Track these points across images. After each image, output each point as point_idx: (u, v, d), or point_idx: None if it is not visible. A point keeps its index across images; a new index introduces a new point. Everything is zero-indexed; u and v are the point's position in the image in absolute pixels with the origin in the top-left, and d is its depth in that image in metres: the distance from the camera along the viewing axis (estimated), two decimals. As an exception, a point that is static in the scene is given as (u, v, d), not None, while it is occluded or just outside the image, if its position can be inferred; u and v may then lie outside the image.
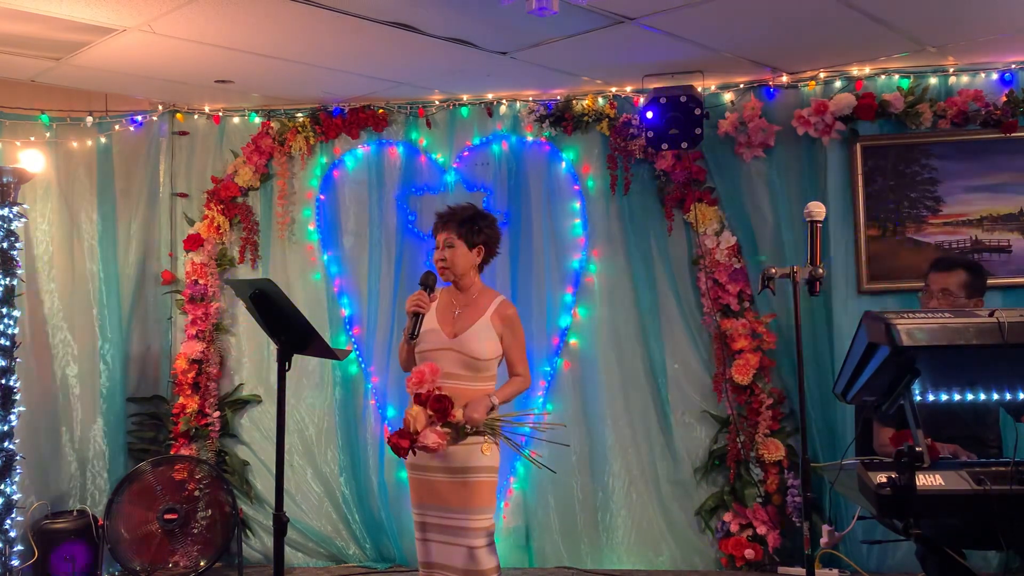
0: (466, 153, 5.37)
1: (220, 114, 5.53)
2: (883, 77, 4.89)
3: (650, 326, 5.18)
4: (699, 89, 4.80)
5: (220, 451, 5.35)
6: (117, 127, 5.43)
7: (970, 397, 2.60)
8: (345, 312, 5.44)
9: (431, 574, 3.38)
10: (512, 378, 3.42)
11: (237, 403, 5.45)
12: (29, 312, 5.07)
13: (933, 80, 4.85)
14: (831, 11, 3.93)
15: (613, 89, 5.19)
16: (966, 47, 4.54)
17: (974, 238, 4.82)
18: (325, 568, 5.28)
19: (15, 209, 4.41)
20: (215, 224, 5.41)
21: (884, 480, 2.34)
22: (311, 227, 5.50)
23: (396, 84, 5.05)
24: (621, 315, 5.22)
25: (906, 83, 4.85)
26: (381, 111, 5.39)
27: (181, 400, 5.27)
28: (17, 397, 4.38)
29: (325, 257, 5.47)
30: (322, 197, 5.49)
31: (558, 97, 5.24)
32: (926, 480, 2.32)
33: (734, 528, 4.94)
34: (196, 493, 5.00)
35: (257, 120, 5.51)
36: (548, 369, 5.23)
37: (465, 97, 5.33)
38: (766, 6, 3.89)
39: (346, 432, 5.35)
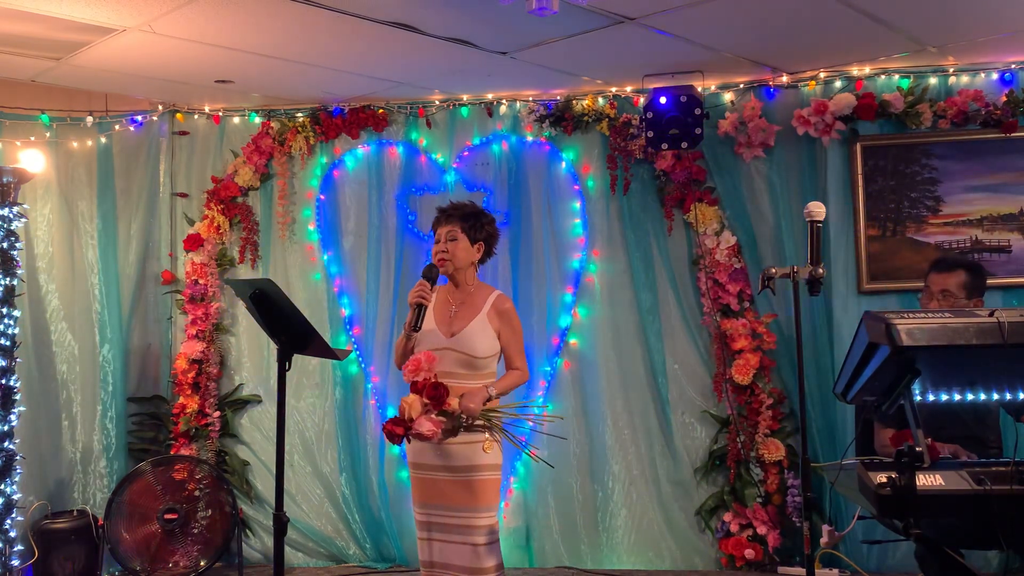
0: (466, 153, 5.37)
1: (220, 114, 5.53)
2: (883, 77, 4.89)
3: (650, 326, 5.18)
4: (699, 89, 4.80)
5: (220, 451, 5.35)
6: (117, 127, 5.43)
7: (970, 397, 2.61)
8: (345, 312, 5.44)
9: (433, 573, 3.38)
10: (510, 371, 3.43)
11: (237, 403, 5.45)
12: (29, 312, 5.07)
13: (933, 80, 4.85)
14: (831, 11, 3.93)
15: (613, 89, 5.19)
16: (966, 47, 4.54)
17: (974, 238, 4.82)
18: (325, 568, 5.28)
19: (15, 209, 4.41)
20: (215, 224, 5.41)
21: (884, 480, 2.34)
22: (311, 227, 5.50)
23: (396, 84, 5.05)
24: (621, 315, 5.22)
25: (906, 83, 4.85)
26: (381, 111, 5.39)
27: (181, 400, 5.27)
28: (17, 397, 4.38)
29: (325, 257, 5.47)
30: (322, 197, 5.50)
31: (558, 97, 5.24)
32: (926, 480, 2.32)
33: (734, 528, 4.94)
34: (196, 493, 5.00)
35: (257, 120, 5.51)
36: (548, 369, 5.23)
37: (465, 97, 5.34)
38: (766, 6, 3.89)
39: (346, 432, 5.35)
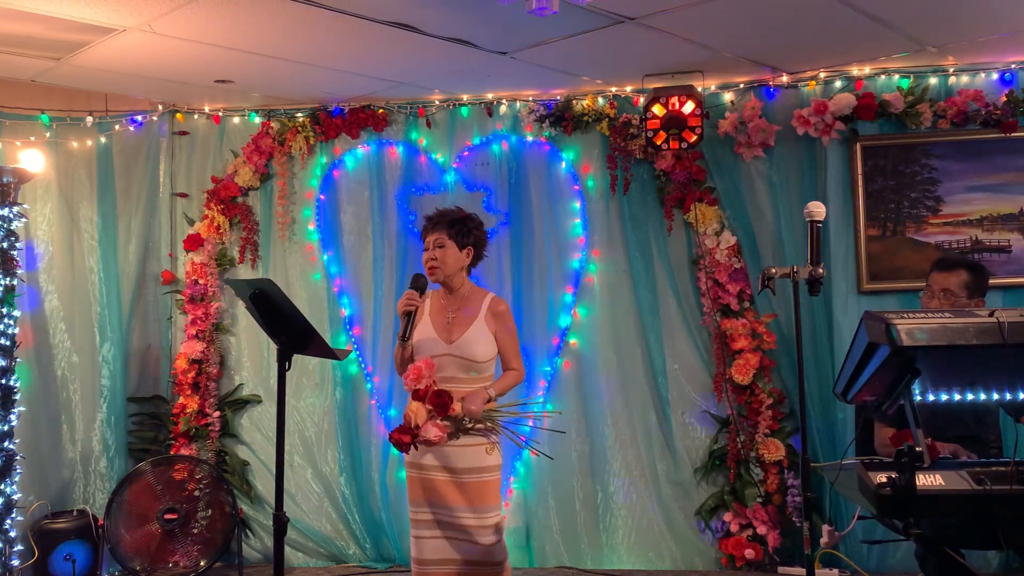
0: (466, 153, 5.37)
1: (220, 114, 5.53)
2: (883, 77, 4.89)
3: (650, 326, 5.18)
4: (699, 89, 4.80)
5: (220, 451, 5.35)
6: (117, 127, 5.43)
7: (970, 397, 2.60)
8: (345, 312, 5.44)
9: (425, 571, 3.39)
10: (506, 372, 3.50)
11: (237, 403, 5.45)
12: (29, 312, 5.07)
13: (933, 80, 4.85)
14: (831, 11, 3.93)
15: (613, 89, 5.19)
16: (966, 47, 4.54)
17: (974, 238, 4.82)
18: (325, 568, 5.28)
19: (15, 209, 4.42)
20: (215, 224, 5.41)
21: (884, 480, 2.34)
22: (311, 227, 5.50)
23: (396, 84, 5.05)
24: (621, 315, 5.22)
25: (906, 83, 4.85)
26: (381, 111, 5.39)
27: (181, 400, 5.27)
28: (17, 397, 4.38)
29: (325, 257, 5.47)
30: (322, 197, 5.49)
31: (558, 97, 5.24)
32: (926, 480, 2.32)
33: (734, 528, 4.94)
34: (196, 493, 5.00)
35: (257, 120, 5.51)
36: (548, 369, 5.23)
37: (465, 97, 5.34)
38: (766, 6, 3.89)
39: (346, 432, 5.35)
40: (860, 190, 4.89)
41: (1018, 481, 2.32)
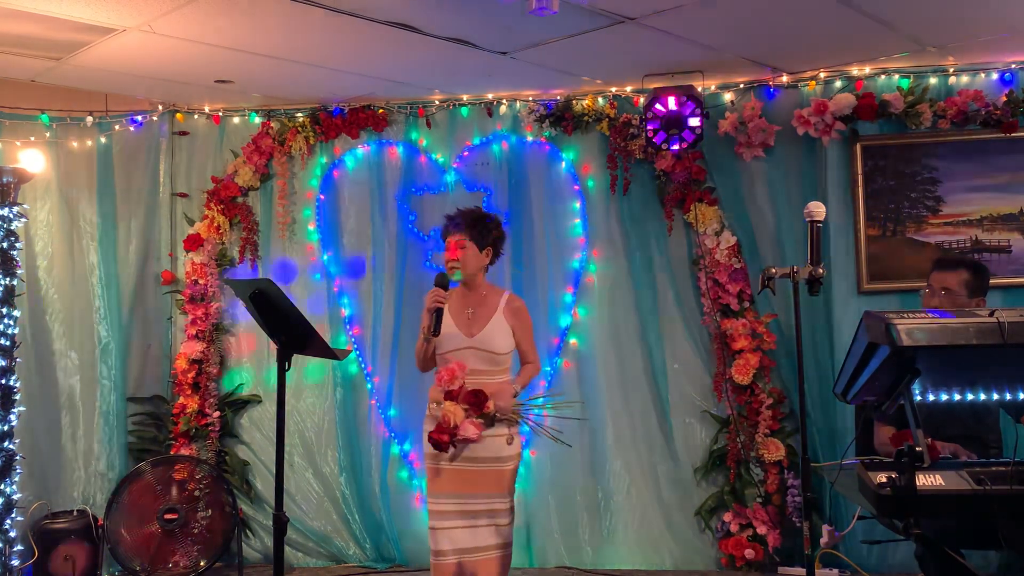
0: (466, 153, 5.37)
1: (220, 114, 5.53)
2: (883, 77, 4.89)
3: (650, 326, 5.18)
4: (699, 89, 4.80)
5: (220, 451, 5.35)
6: (117, 127, 5.43)
7: (970, 397, 2.61)
8: (345, 312, 5.44)
9: (439, 562, 3.47)
10: (525, 366, 3.69)
11: (237, 403, 5.45)
12: (29, 312, 5.07)
13: (933, 80, 4.85)
14: (831, 11, 3.93)
15: (613, 89, 5.19)
16: (966, 47, 4.54)
17: (974, 238, 4.82)
18: (325, 568, 5.28)
19: (15, 209, 4.41)
20: (215, 224, 5.41)
21: (884, 480, 2.34)
22: (311, 227, 5.50)
23: (396, 84, 5.05)
24: (621, 315, 5.22)
25: (906, 83, 4.85)
26: (381, 111, 5.39)
27: (181, 400, 5.27)
28: (17, 397, 4.37)
29: (325, 257, 5.47)
30: (322, 197, 5.49)
31: (558, 97, 5.24)
32: (926, 480, 2.33)
33: (734, 528, 4.94)
34: (196, 493, 5.00)
35: (257, 120, 5.51)
36: (548, 369, 5.23)
37: (465, 97, 5.34)
38: (766, 6, 3.89)
39: (346, 432, 5.35)
40: (860, 190, 4.89)
41: (1018, 481, 2.32)
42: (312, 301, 5.42)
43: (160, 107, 5.48)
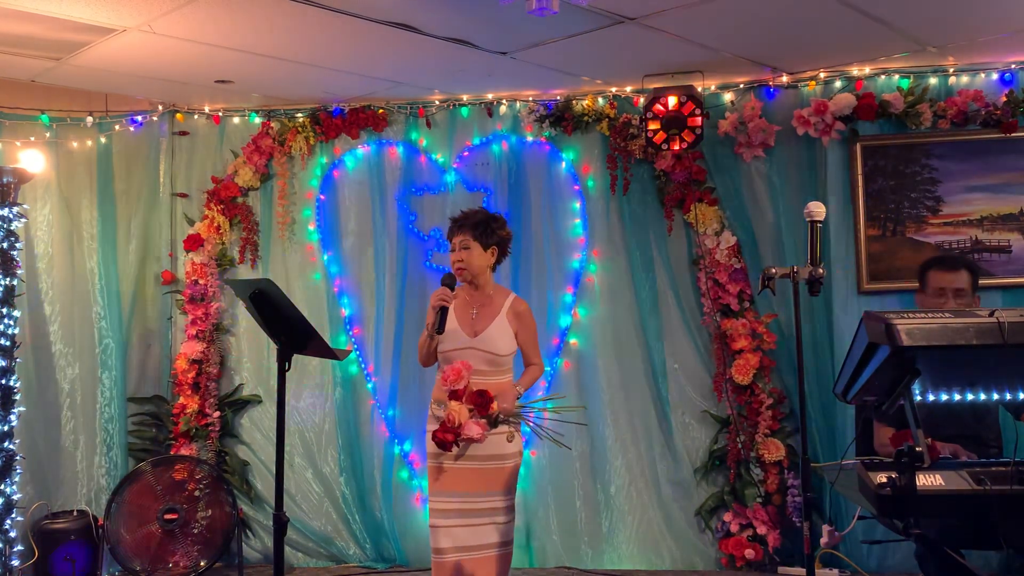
0: (466, 153, 5.37)
1: (220, 114, 5.53)
2: (883, 77, 4.89)
3: (650, 326, 5.18)
4: (699, 89, 4.80)
5: (220, 451, 5.35)
6: (117, 127, 5.43)
7: (970, 397, 2.60)
8: (345, 312, 5.44)
9: (440, 560, 3.48)
10: (528, 368, 3.71)
11: (237, 403, 5.45)
12: (29, 312, 5.07)
13: (933, 80, 4.85)
14: (831, 11, 3.93)
15: (613, 89, 5.19)
16: (966, 47, 4.54)
17: (974, 238, 4.82)
18: (325, 568, 5.28)
19: (15, 209, 4.41)
20: (215, 224, 5.41)
21: (884, 480, 2.34)
22: (311, 227, 5.50)
23: (396, 84, 5.05)
24: (621, 315, 5.22)
25: (906, 83, 4.85)
26: (381, 111, 5.39)
27: (181, 400, 5.27)
28: (17, 397, 4.38)
29: (325, 257, 5.47)
30: (322, 197, 5.49)
31: (558, 97, 5.24)
32: (926, 480, 2.32)
33: (734, 528, 4.94)
34: (196, 493, 5.00)
35: (257, 120, 5.51)
36: (548, 369, 5.23)
37: (465, 97, 5.33)
38: (766, 6, 3.89)
39: (346, 432, 5.35)
40: (860, 190, 4.89)
41: (1018, 481, 2.32)
42: (312, 301, 5.42)
43: (160, 107, 5.48)
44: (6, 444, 4.31)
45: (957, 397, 2.60)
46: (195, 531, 4.98)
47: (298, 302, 4.31)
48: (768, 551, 4.87)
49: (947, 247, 4.82)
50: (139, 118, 5.46)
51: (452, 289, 3.52)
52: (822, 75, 4.93)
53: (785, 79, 4.98)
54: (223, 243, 5.49)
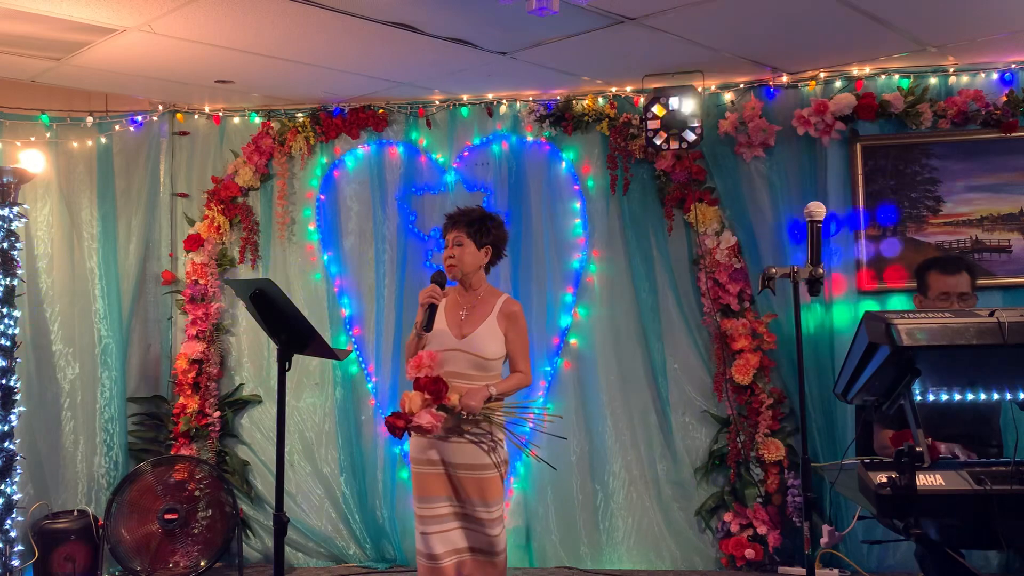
0: (466, 153, 5.37)
1: (220, 114, 5.53)
2: (883, 77, 4.89)
3: (650, 326, 5.18)
4: (699, 89, 4.80)
5: (220, 451, 5.35)
6: (117, 127, 5.43)
7: (970, 397, 2.60)
8: (345, 312, 5.44)
9: (436, 566, 3.42)
10: (512, 373, 3.52)
11: (237, 403, 5.45)
12: (29, 312, 5.07)
13: (933, 80, 4.85)
14: (831, 11, 3.93)
15: (613, 89, 5.19)
16: (966, 47, 4.54)
17: (974, 238, 4.82)
18: (325, 568, 5.28)
19: (15, 209, 4.41)
20: (215, 224, 5.41)
21: (884, 480, 2.34)
22: (311, 227, 5.50)
23: (396, 84, 5.05)
24: (621, 315, 5.22)
25: (906, 83, 4.85)
26: (381, 111, 5.39)
27: (181, 400, 5.27)
28: (17, 397, 4.38)
29: (325, 257, 5.47)
30: (322, 197, 5.50)
31: (558, 97, 5.24)
32: (926, 480, 2.32)
33: (734, 528, 4.94)
34: (196, 493, 5.00)
35: (257, 120, 5.51)
36: (548, 369, 5.23)
37: (465, 97, 5.34)
38: (766, 6, 3.89)
39: (346, 432, 5.35)
40: (860, 190, 4.89)
41: (1018, 481, 2.32)
42: (312, 301, 5.42)
43: (160, 107, 5.48)
44: (6, 444, 4.31)
45: (957, 397, 2.60)
46: (195, 531, 4.98)
47: (298, 302, 4.33)
48: (768, 551, 4.87)
49: (947, 247, 4.82)
50: (139, 118, 5.46)
51: (442, 287, 3.42)
52: (822, 75, 4.93)
53: (785, 79, 4.98)
54: (223, 243, 5.49)
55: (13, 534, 4.35)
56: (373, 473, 5.30)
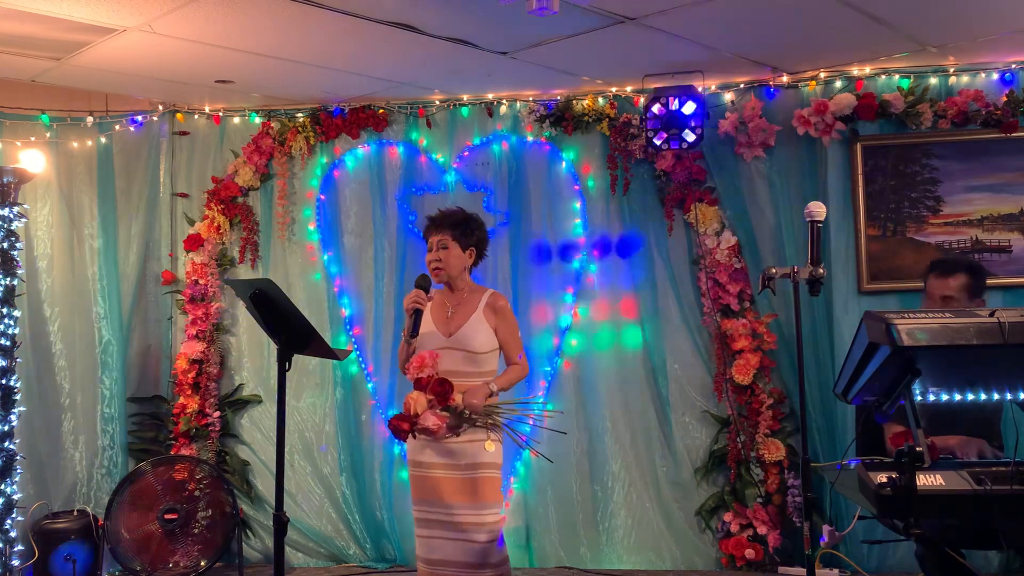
0: (466, 153, 5.37)
1: (220, 114, 5.53)
2: (883, 77, 4.89)
3: (650, 326, 5.18)
4: (699, 89, 4.80)
5: (220, 451, 5.35)
6: (117, 127, 5.43)
7: (970, 397, 2.60)
8: (345, 312, 5.44)
9: (433, 571, 3.40)
10: (510, 367, 3.52)
11: (237, 403, 5.45)
12: (29, 312, 5.07)
13: (933, 80, 4.85)
14: (831, 11, 3.93)
15: (613, 89, 5.19)
16: (966, 47, 4.54)
17: (974, 238, 4.82)
18: (325, 568, 5.28)
19: (15, 209, 4.41)
20: (215, 224, 5.41)
21: (884, 480, 2.34)
22: (311, 227, 5.50)
23: (396, 84, 5.05)
24: (621, 315, 5.22)
25: (906, 83, 4.85)
26: (381, 111, 5.39)
27: (181, 400, 5.27)
28: (17, 397, 4.38)
29: (325, 257, 5.47)
30: (322, 197, 5.50)
31: (558, 97, 5.24)
32: (926, 480, 2.32)
33: (734, 528, 4.94)
34: (196, 493, 5.00)
35: (257, 120, 5.51)
36: (548, 369, 5.23)
37: (465, 97, 5.33)
38: (766, 6, 3.89)
39: (346, 432, 5.35)
40: (860, 190, 4.89)
41: (1018, 481, 2.32)
42: (312, 301, 5.42)
43: (160, 107, 5.48)
44: (6, 444, 4.31)
45: (957, 397, 2.60)
46: (195, 531, 4.97)
47: (298, 302, 4.32)
48: (768, 551, 4.87)
49: (947, 247, 4.82)
50: (139, 118, 5.46)
51: (427, 291, 3.40)
52: (822, 75, 4.93)
53: (785, 79, 4.98)
54: (223, 243, 5.49)
55: (13, 534, 4.35)
56: (373, 473, 5.29)
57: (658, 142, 4.81)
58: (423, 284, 3.41)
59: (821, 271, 2.90)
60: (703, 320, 5.10)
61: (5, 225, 4.36)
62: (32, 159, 4.81)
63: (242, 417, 5.47)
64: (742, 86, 5.07)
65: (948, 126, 4.80)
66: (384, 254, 5.38)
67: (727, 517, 4.97)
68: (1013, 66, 4.77)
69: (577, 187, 5.28)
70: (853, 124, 4.87)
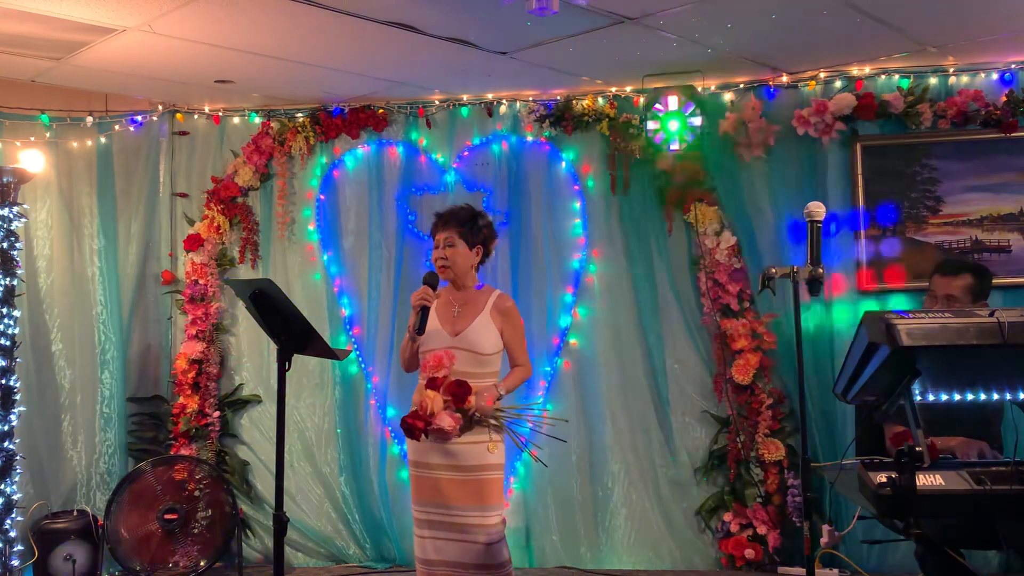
0: (466, 153, 5.37)
1: (220, 114, 5.53)
2: (883, 77, 4.89)
3: (650, 326, 5.18)
4: (699, 89, 4.80)
5: (220, 451, 5.35)
6: (117, 127, 5.43)
7: (970, 397, 2.60)
8: (345, 312, 5.44)
9: (432, 571, 3.39)
10: (514, 368, 3.52)
11: (237, 403, 5.45)
12: (29, 312, 5.07)
13: (933, 80, 4.85)
14: (831, 11, 3.93)
15: (613, 89, 5.19)
16: (966, 47, 4.54)
17: (974, 238, 4.82)
18: (325, 568, 5.28)
19: (15, 209, 4.41)
20: (215, 224, 5.41)
21: (884, 480, 2.34)
22: (311, 227, 5.50)
23: (396, 84, 5.05)
24: (621, 315, 5.22)
25: (906, 83, 4.85)
26: (381, 111, 5.39)
27: (181, 400, 5.27)
28: (17, 397, 4.38)
29: (325, 257, 5.47)
30: (322, 197, 5.50)
31: (558, 97, 5.24)
32: (926, 480, 2.32)
33: (734, 528, 4.94)
34: (196, 493, 5.00)
35: (257, 120, 5.51)
36: (548, 369, 5.23)
37: (465, 97, 5.33)
38: (766, 6, 3.89)
39: (346, 432, 5.35)
40: (860, 190, 4.89)
41: (1018, 481, 2.32)
42: (312, 301, 5.42)
43: (160, 107, 5.48)
44: (6, 444, 4.31)
45: (957, 397, 2.60)
46: (195, 531, 4.97)
47: (298, 302, 4.30)
48: (768, 551, 4.87)
49: (947, 247, 4.82)
50: (139, 118, 5.46)
51: (434, 288, 3.39)
52: (822, 75, 4.93)
53: (785, 79, 4.98)
54: (223, 243, 5.49)
55: (13, 534, 4.35)
56: (373, 473, 5.29)
57: (658, 142, 4.81)
58: (431, 281, 3.39)
59: (821, 271, 2.90)
60: (703, 320, 5.10)
61: (5, 225, 4.36)
62: (32, 159, 4.81)
63: (242, 417, 5.47)
64: (742, 86, 5.07)
65: (948, 126, 4.80)
66: (384, 254, 5.38)
67: (727, 517, 4.97)
68: (1013, 66, 4.77)
69: (577, 187, 5.28)
70: (853, 124, 4.87)
